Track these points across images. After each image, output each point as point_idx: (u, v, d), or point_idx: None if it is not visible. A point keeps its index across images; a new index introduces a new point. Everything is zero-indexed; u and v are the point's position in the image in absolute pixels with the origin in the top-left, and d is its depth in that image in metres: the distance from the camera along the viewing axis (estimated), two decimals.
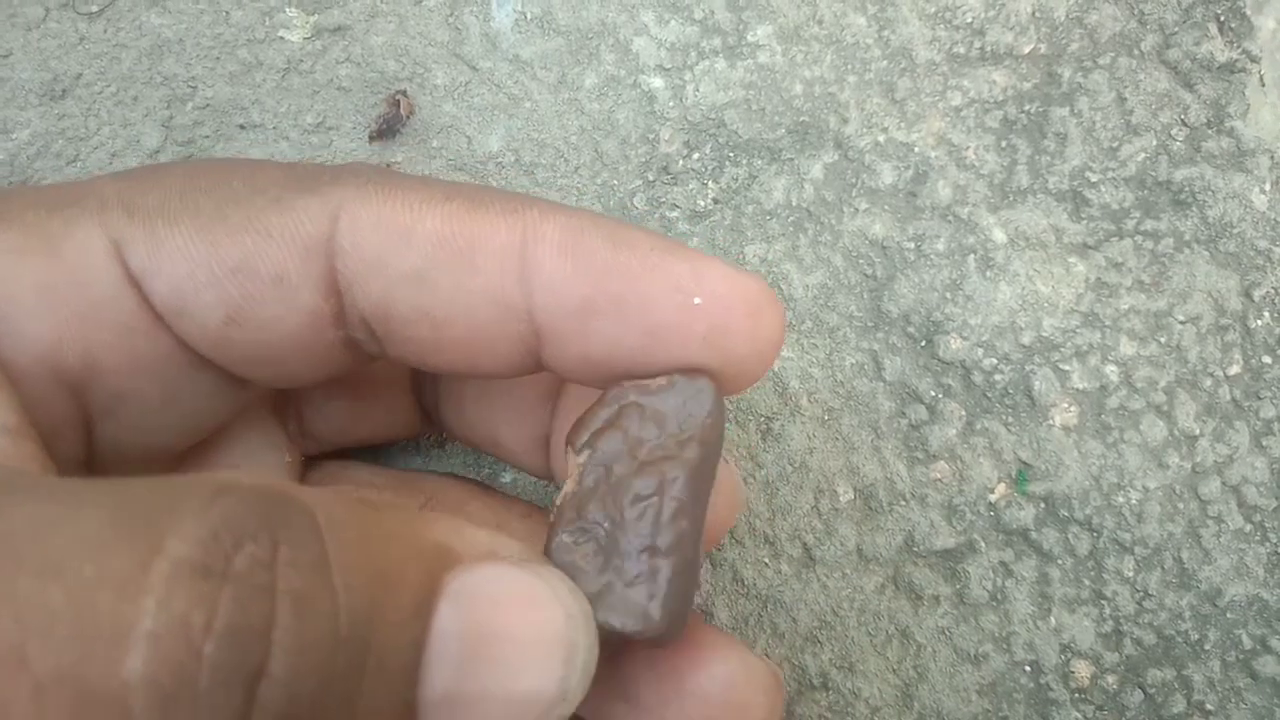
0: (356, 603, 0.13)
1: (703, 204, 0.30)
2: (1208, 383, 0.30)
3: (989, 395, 0.30)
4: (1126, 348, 0.30)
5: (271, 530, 0.13)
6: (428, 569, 0.15)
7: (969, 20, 0.30)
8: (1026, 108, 0.30)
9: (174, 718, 0.11)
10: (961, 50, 0.30)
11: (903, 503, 0.29)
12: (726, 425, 0.30)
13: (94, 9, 0.29)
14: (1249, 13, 0.31)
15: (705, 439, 0.18)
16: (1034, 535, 0.29)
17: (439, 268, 0.17)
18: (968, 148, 0.30)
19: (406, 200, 0.18)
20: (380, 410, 0.25)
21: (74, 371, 0.17)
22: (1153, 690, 0.29)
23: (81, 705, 0.11)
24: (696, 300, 0.17)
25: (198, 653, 0.12)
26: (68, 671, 0.11)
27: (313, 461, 0.25)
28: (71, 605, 0.11)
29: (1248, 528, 0.30)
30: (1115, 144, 0.30)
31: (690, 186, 0.30)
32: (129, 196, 0.18)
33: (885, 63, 0.30)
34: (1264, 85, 0.31)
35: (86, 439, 0.19)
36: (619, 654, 0.20)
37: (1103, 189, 0.30)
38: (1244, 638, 0.29)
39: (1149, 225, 0.30)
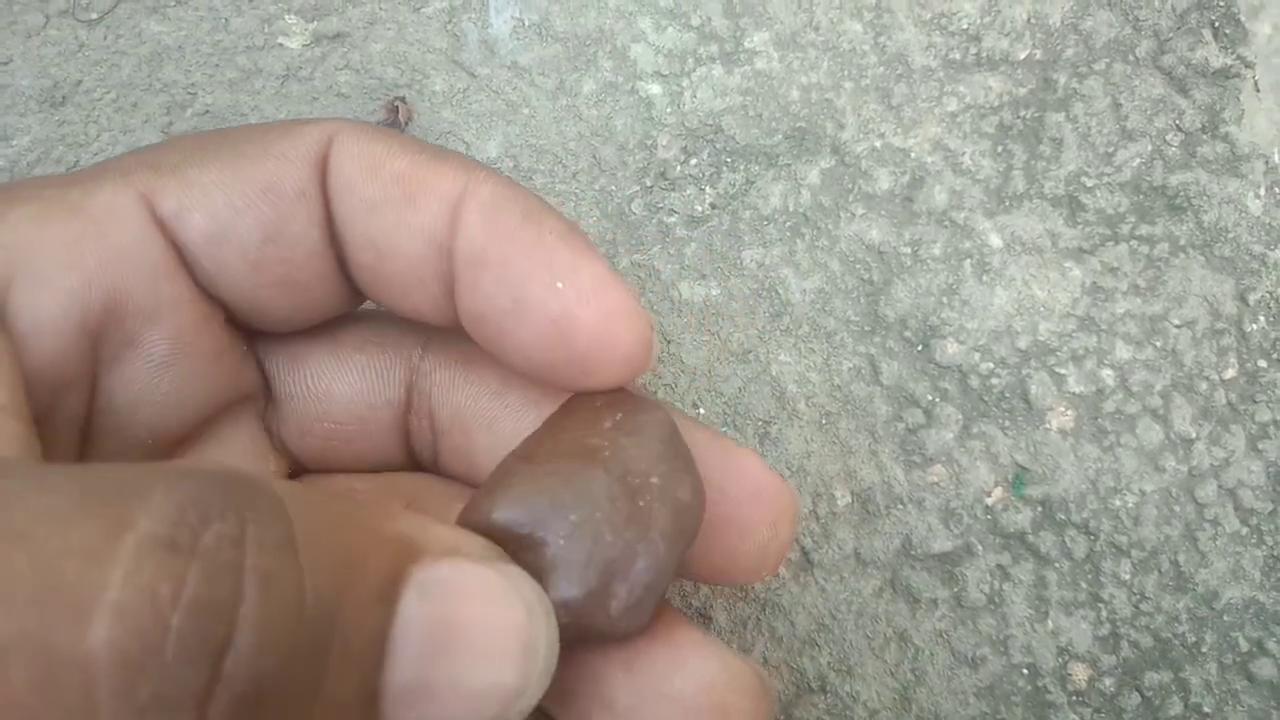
0: (321, 583, 0.13)
1: (700, 209, 0.30)
2: (1203, 386, 0.30)
3: (985, 399, 0.30)
4: (1122, 352, 0.30)
5: (239, 509, 0.13)
6: (392, 558, 0.15)
7: (965, 26, 0.31)
8: (1022, 113, 0.30)
9: (138, 687, 0.12)
10: (957, 56, 0.31)
11: (900, 506, 0.30)
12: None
13: (94, 16, 0.29)
14: (1243, 18, 0.31)
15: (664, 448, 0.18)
16: (1031, 538, 0.29)
17: (390, 201, 0.20)
18: (964, 153, 0.30)
19: (386, 144, 0.20)
20: (368, 440, 0.25)
21: (96, 314, 0.19)
22: (1150, 693, 0.29)
23: (45, 670, 0.11)
24: (559, 285, 0.19)
25: (164, 623, 0.12)
26: (32, 636, 0.11)
27: (293, 476, 0.25)
28: (36, 572, 0.11)
29: (1244, 531, 0.30)
30: (1110, 149, 0.30)
31: (688, 192, 0.30)
32: (151, 159, 0.20)
33: (881, 69, 0.30)
34: (1258, 91, 0.31)
35: (88, 402, 0.19)
36: (587, 650, 0.19)
37: (1098, 194, 0.30)
38: (1241, 640, 0.29)
39: (1144, 230, 0.30)
